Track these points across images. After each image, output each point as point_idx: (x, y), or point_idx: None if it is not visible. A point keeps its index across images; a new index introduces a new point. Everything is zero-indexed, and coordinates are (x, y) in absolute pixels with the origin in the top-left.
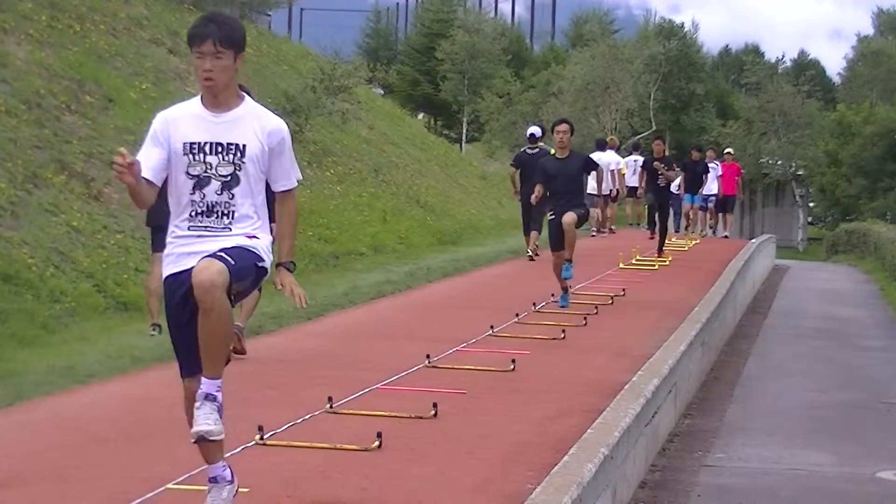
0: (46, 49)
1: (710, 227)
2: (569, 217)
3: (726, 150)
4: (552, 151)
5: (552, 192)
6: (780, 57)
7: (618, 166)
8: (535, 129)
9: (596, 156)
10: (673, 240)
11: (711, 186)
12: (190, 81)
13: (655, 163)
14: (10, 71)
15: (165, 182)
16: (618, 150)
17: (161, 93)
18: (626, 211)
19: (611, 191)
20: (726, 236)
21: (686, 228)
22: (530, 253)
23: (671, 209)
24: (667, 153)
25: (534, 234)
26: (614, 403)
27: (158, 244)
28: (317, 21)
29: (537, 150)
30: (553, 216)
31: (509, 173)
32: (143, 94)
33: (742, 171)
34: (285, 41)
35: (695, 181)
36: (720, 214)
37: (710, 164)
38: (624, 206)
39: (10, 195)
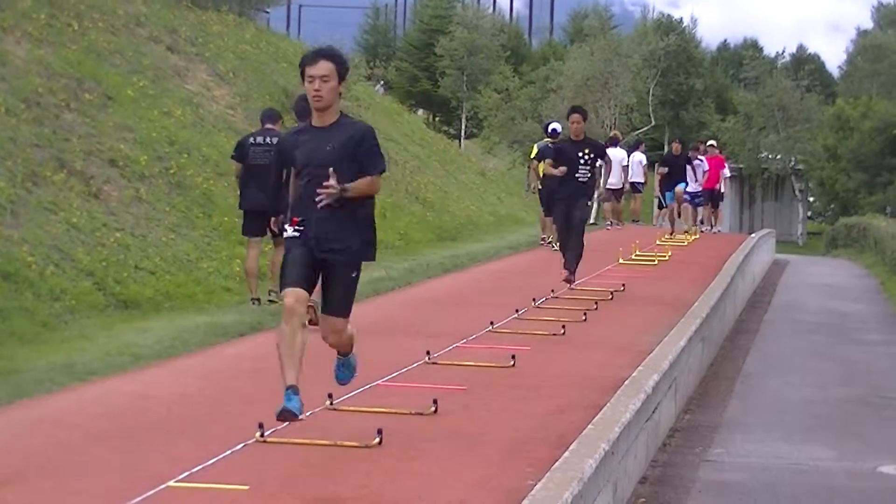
0: (45, 47)
1: (702, 224)
2: (336, 324)
3: (709, 143)
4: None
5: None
6: (780, 52)
7: (623, 162)
8: (556, 125)
9: (609, 152)
10: (672, 235)
11: (697, 183)
12: (188, 79)
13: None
14: (10, 69)
15: (261, 169)
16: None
17: (160, 90)
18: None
19: (623, 185)
20: (719, 230)
21: (690, 228)
22: (550, 244)
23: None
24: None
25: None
26: (614, 399)
27: (250, 228)
28: (315, 18)
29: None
30: (298, 233)
31: (533, 167)
32: (141, 92)
33: (725, 164)
34: (284, 38)
35: (675, 176)
36: (707, 210)
37: (695, 160)
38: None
39: (10, 194)
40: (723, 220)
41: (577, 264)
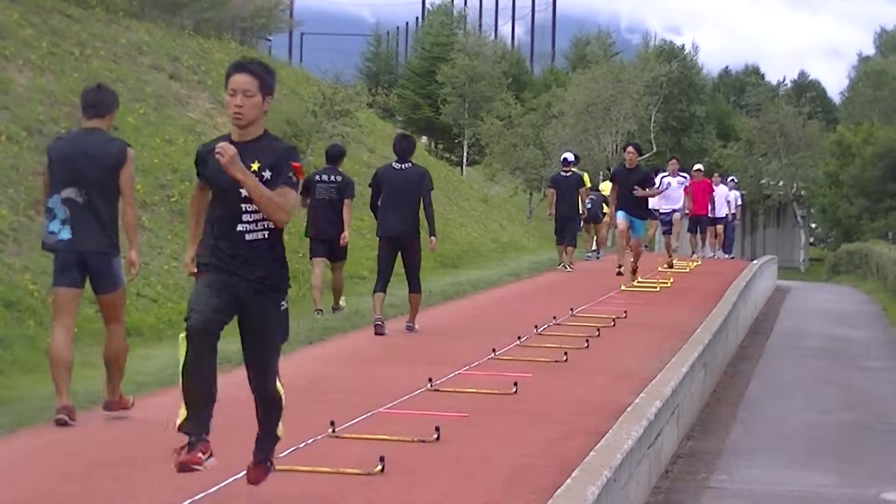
0: (47, 75)
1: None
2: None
3: (696, 168)
4: (585, 176)
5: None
6: (782, 80)
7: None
8: (568, 155)
9: None
10: (675, 261)
11: (671, 201)
12: (190, 106)
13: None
14: (12, 97)
15: (325, 203)
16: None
17: (161, 118)
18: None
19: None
20: (702, 256)
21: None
22: (563, 266)
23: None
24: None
25: (570, 248)
26: (617, 425)
27: (315, 251)
28: (317, 45)
29: (570, 173)
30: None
31: (548, 194)
32: (143, 120)
33: (715, 189)
34: (286, 66)
35: (626, 197)
36: (696, 235)
37: (668, 177)
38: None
39: (12, 221)
40: (715, 245)
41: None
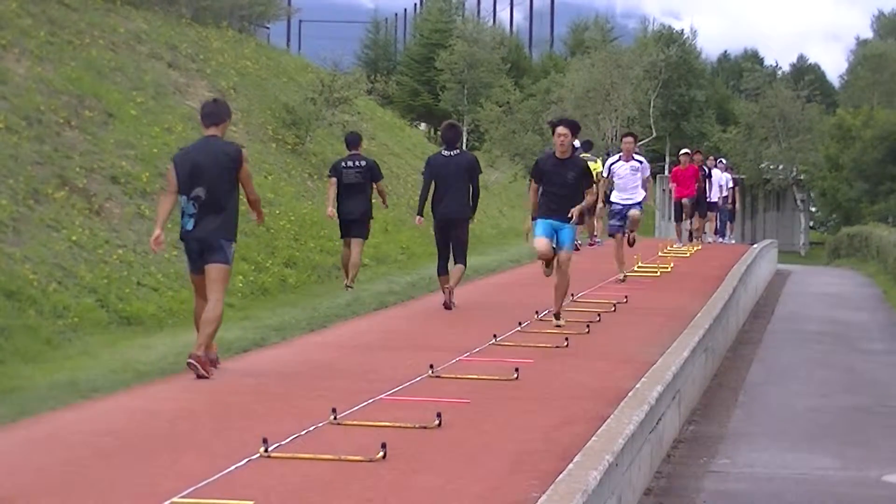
0: (46, 65)
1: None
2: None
3: (682, 151)
4: (598, 163)
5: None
6: (776, 64)
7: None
8: (574, 141)
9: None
10: (675, 246)
11: (625, 192)
12: (189, 95)
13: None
14: (10, 87)
15: (352, 187)
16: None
17: (161, 107)
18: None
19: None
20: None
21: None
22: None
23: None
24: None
25: (578, 227)
26: (618, 411)
27: (344, 231)
28: (316, 33)
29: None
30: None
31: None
32: (142, 108)
33: (701, 172)
34: (284, 53)
35: (555, 197)
36: (681, 224)
37: (619, 161)
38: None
39: (12, 211)
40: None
41: None
